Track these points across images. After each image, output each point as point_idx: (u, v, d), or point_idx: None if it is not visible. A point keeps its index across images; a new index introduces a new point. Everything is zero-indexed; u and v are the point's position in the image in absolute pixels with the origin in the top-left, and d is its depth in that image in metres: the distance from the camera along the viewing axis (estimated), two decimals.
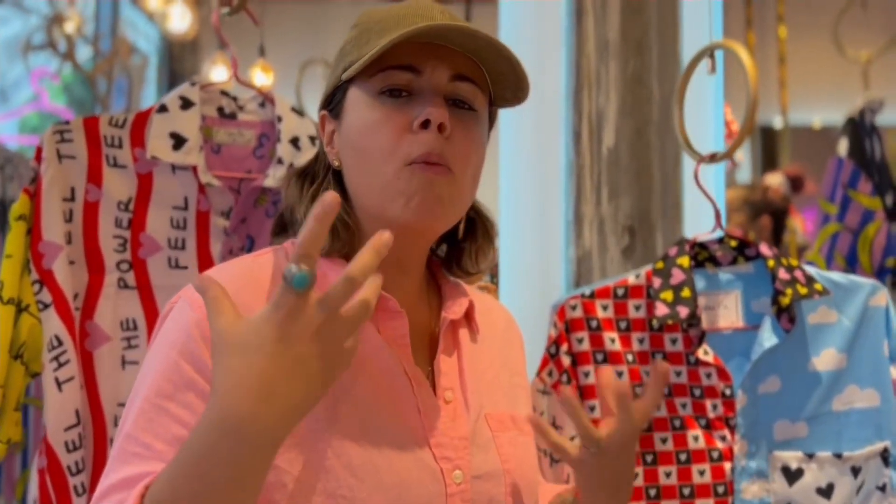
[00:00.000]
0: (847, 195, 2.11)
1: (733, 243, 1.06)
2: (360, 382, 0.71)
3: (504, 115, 1.75)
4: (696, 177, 1.09)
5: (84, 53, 3.99)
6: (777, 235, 2.38)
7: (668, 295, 1.00)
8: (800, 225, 3.33)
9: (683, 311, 0.99)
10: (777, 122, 5.99)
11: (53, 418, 0.94)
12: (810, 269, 1.04)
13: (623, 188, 1.42)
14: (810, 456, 1.00)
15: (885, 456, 1.02)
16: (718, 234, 1.07)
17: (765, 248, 1.04)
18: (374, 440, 0.69)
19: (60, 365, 0.95)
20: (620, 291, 1.04)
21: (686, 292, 1.00)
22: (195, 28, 3.72)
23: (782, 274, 1.01)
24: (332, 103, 0.77)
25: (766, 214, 2.32)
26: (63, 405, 0.95)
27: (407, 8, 0.75)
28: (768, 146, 6.05)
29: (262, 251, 0.77)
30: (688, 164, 1.36)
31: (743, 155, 4.91)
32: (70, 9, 3.48)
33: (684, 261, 1.03)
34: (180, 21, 3.56)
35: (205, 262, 1.04)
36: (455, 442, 0.73)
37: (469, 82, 0.73)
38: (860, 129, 2.14)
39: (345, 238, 0.74)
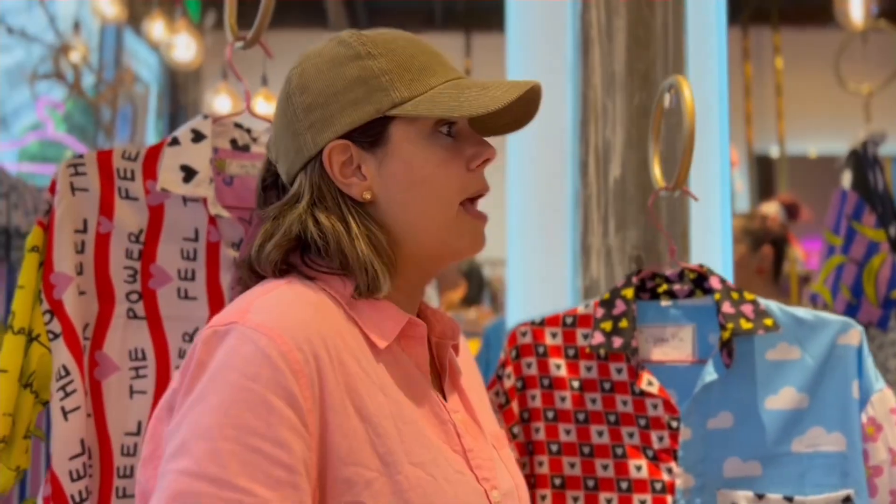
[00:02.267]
0: (851, 227, 2.12)
1: (692, 276, 1.07)
2: (411, 409, 0.73)
3: (512, 146, 1.76)
4: (650, 208, 1.15)
5: (88, 82, 4.02)
6: (778, 264, 2.37)
7: (607, 325, 1.02)
8: (799, 253, 3.33)
9: (617, 342, 1.00)
10: (774, 152, 6.05)
11: (59, 447, 0.94)
12: (767, 304, 1.01)
13: (630, 219, 1.43)
14: (760, 496, 0.96)
15: None
16: (677, 267, 1.08)
17: (715, 282, 1.03)
18: (437, 466, 0.71)
19: (67, 394, 0.95)
20: (569, 320, 1.06)
21: (624, 323, 1.01)
22: (199, 58, 3.76)
23: (726, 307, 0.99)
24: (365, 136, 0.75)
25: (768, 244, 2.32)
26: (69, 434, 0.94)
27: (418, 43, 0.78)
28: (765, 175, 6.10)
29: (287, 281, 0.74)
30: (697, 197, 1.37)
31: (742, 184, 4.95)
32: (76, 38, 3.52)
33: (628, 292, 1.04)
34: (185, 51, 3.59)
35: (214, 292, 1.03)
36: (488, 463, 0.76)
37: None
38: (863, 161, 2.15)
39: (391, 279, 0.74)
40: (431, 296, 3.94)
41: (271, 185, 0.84)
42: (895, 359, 2.42)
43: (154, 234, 1.02)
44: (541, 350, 1.05)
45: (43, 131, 3.57)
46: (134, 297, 1.01)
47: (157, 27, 3.72)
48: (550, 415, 1.03)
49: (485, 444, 0.79)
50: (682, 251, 1.46)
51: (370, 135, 0.75)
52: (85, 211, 0.99)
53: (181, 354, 1.02)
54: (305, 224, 0.74)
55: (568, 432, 1.03)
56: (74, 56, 3.49)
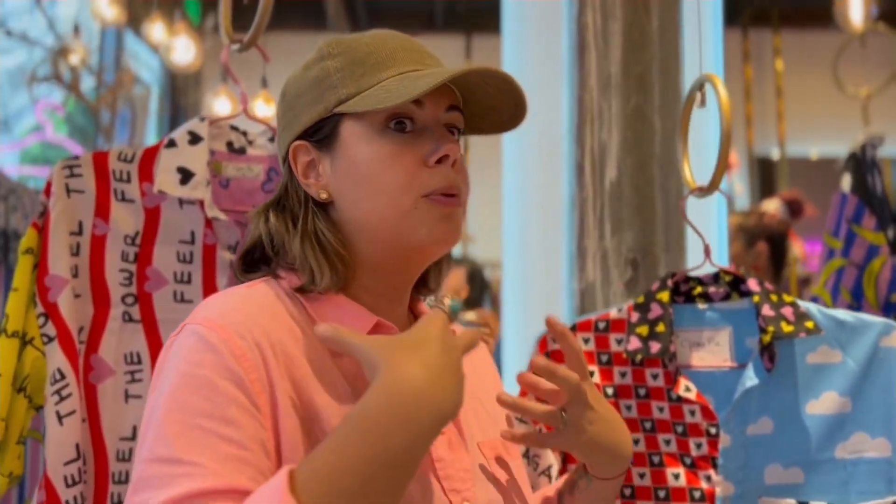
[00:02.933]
0: (851, 230, 2.11)
1: (727, 278, 1.04)
2: None
3: (508, 148, 1.76)
4: (682, 211, 1.10)
5: (88, 84, 4.03)
6: (777, 262, 2.32)
7: (643, 329, 0.99)
8: (799, 250, 3.30)
9: (655, 347, 0.97)
10: (775, 154, 6.04)
11: (53, 452, 0.93)
12: (807, 306, 0.99)
13: (626, 222, 1.43)
14: None
15: None
16: (709, 268, 1.05)
17: (753, 284, 1.01)
18: None
19: (62, 399, 0.95)
20: (602, 325, 1.03)
21: (661, 327, 0.99)
22: (199, 60, 3.76)
23: (766, 310, 0.97)
24: (318, 135, 0.75)
25: (762, 240, 2.27)
26: (63, 439, 0.94)
27: (392, 40, 0.77)
28: (766, 177, 6.09)
29: (250, 283, 0.75)
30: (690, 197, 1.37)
31: (742, 186, 4.95)
32: (75, 41, 3.52)
33: (664, 295, 1.02)
34: (185, 53, 3.60)
35: (210, 295, 1.03)
36: (461, 474, 0.74)
37: (458, 111, 0.77)
38: (862, 164, 2.15)
39: (342, 273, 0.74)
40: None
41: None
42: None
43: (150, 236, 1.02)
44: None
45: (41, 133, 3.57)
46: (129, 300, 1.01)
47: (156, 29, 3.72)
48: None
49: (463, 453, 0.76)
50: (679, 253, 1.46)
51: (322, 133, 0.75)
52: (80, 213, 0.99)
53: None
54: (258, 224, 0.76)
55: None
56: (73, 58, 3.50)
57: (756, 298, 0.99)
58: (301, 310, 0.73)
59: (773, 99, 5.93)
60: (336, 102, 0.73)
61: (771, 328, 0.95)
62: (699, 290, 1.05)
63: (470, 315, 3.96)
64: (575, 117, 1.48)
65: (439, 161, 0.73)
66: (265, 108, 4.24)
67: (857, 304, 2.09)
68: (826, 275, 2.14)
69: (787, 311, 0.98)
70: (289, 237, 0.74)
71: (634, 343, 0.99)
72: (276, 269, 0.76)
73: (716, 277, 1.05)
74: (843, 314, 0.99)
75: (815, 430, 0.96)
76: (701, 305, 1.04)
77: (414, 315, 0.83)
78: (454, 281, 4.02)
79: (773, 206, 2.45)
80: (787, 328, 0.95)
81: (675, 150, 1.46)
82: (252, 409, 0.63)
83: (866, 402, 0.96)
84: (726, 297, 1.04)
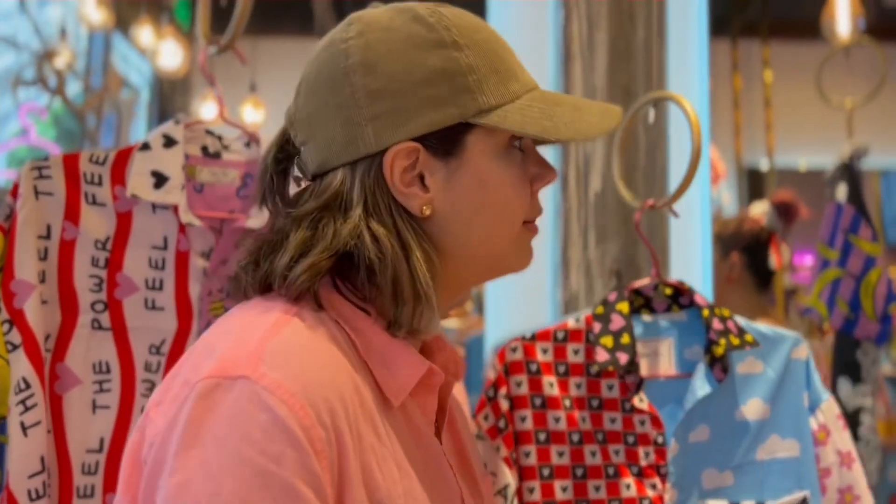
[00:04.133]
0: (848, 241, 2.09)
1: (668, 291, 1.07)
2: (418, 473, 0.64)
3: None
4: (636, 225, 1.09)
5: (74, 88, 4.00)
6: (759, 273, 2.18)
7: (608, 341, 0.99)
8: (787, 257, 3.24)
9: (623, 358, 0.98)
10: (763, 165, 6.07)
11: (17, 464, 0.90)
12: (740, 321, 1.05)
13: (610, 232, 1.42)
14: None
15: None
16: (652, 282, 1.08)
17: (699, 298, 1.05)
18: None
19: (27, 409, 0.92)
20: (560, 335, 1.02)
21: (625, 338, 0.99)
22: (187, 65, 3.74)
23: (716, 324, 1.02)
24: (439, 141, 0.64)
25: (736, 251, 2.16)
26: (28, 451, 0.90)
27: (495, 34, 0.69)
28: (754, 188, 6.11)
29: (283, 309, 0.62)
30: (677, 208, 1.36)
31: (729, 196, 4.96)
32: (61, 44, 3.50)
33: (623, 307, 1.02)
34: (171, 58, 3.58)
35: (182, 303, 1.01)
36: None
37: None
38: (856, 174, 2.15)
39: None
40: None
41: (280, 172, 0.70)
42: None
43: (121, 241, 1.00)
44: (533, 368, 1.00)
45: (26, 137, 3.54)
46: (99, 306, 0.99)
47: (144, 33, 3.70)
48: (542, 437, 0.99)
49: (480, 500, 0.74)
50: (663, 266, 1.45)
51: (446, 141, 0.64)
52: (49, 216, 0.97)
53: (147, 367, 1.00)
54: (362, 238, 0.61)
55: (561, 454, 0.99)
56: (59, 62, 3.47)
57: (706, 313, 1.03)
58: (353, 351, 0.62)
59: (762, 109, 5.96)
60: (476, 111, 0.63)
61: (723, 341, 1.00)
62: (640, 301, 1.08)
63: (454, 322, 3.93)
64: None
65: (542, 186, 0.70)
66: (253, 113, 4.23)
67: (854, 315, 2.08)
68: (821, 285, 2.12)
69: (731, 325, 1.03)
70: (405, 263, 0.61)
71: (602, 355, 0.98)
72: (331, 295, 0.63)
73: (656, 289, 1.08)
74: (763, 327, 1.07)
75: (743, 434, 1.02)
76: (646, 317, 1.06)
77: None
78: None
79: (759, 210, 2.35)
80: (735, 341, 1.01)
81: (657, 162, 1.45)
82: None
83: (781, 407, 1.04)
84: (668, 309, 1.08)
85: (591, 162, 1.43)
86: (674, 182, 1.49)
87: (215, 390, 0.54)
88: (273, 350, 0.56)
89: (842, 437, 1.05)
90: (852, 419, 2.09)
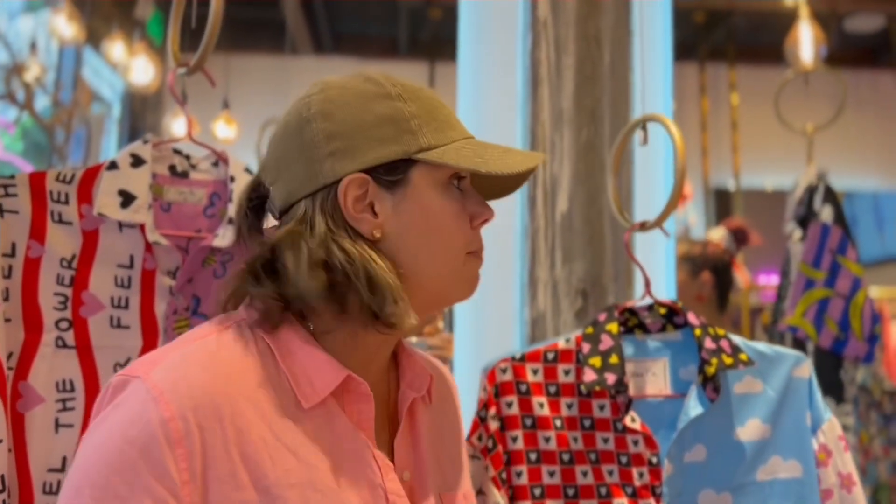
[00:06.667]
0: (836, 261, 2.11)
1: (662, 311, 1.07)
2: (328, 468, 0.70)
3: None
4: (627, 246, 1.12)
5: (43, 101, 3.96)
6: (722, 292, 2.32)
7: (596, 361, 1.00)
8: (744, 280, 3.33)
9: (611, 378, 0.98)
10: (731, 185, 6.18)
11: None
12: (736, 339, 1.04)
13: (576, 252, 1.44)
14: None
15: None
16: (648, 301, 1.08)
17: (692, 317, 1.05)
18: None
19: None
20: (551, 355, 1.03)
21: (614, 359, 1.00)
22: (158, 80, 3.72)
23: (708, 343, 1.01)
24: (387, 174, 0.74)
25: (707, 270, 2.28)
26: None
27: (436, 97, 0.79)
28: (722, 208, 6.22)
29: (220, 330, 0.72)
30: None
31: (696, 217, 5.04)
32: (31, 58, 3.46)
33: (613, 327, 1.03)
34: (143, 74, 3.56)
35: (148, 321, 1.01)
36: None
37: None
38: (835, 195, 2.19)
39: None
40: None
41: (252, 209, 0.81)
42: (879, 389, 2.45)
43: (87, 259, 1.00)
44: (523, 388, 1.01)
45: None
46: (64, 325, 0.98)
47: (116, 48, 3.68)
48: (533, 457, 1.00)
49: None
50: (628, 283, 1.47)
51: (392, 174, 0.73)
52: (14, 234, 0.96)
53: None
54: (330, 249, 0.71)
55: (552, 474, 1.00)
56: (28, 76, 3.43)
57: (698, 332, 1.03)
58: (271, 360, 0.71)
59: (729, 131, 6.09)
60: (418, 149, 0.73)
61: (715, 360, 0.99)
62: (634, 321, 1.08)
63: (434, 340, 3.95)
64: (528, 149, 1.50)
65: (480, 223, 0.78)
66: (226, 129, 4.21)
67: (843, 335, 2.11)
68: (805, 305, 2.13)
69: (725, 345, 1.02)
70: (374, 265, 0.71)
71: (590, 375, 0.99)
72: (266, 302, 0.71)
73: (651, 309, 1.07)
74: (763, 347, 1.06)
75: (741, 455, 1.01)
76: (639, 336, 1.07)
77: (396, 362, 0.83)
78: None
79: (717, 234, 2.47)
80: (727, 360, 1.00)
81: (623, 182, 1.48)
82: (171, 501, 0.63)
83: (782, 427, 1.03)
84: (662, 329, 1.07)
85: (558, 183, 1.46)
86: (639, 202, 1.52)
87: (120, 386, 0.67)
88: (174, 357, 0.68)
89: (843, 459, 1.03)
90: None
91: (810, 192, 2.26)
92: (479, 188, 0.83)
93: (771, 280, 4.77)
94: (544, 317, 1.45)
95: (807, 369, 1.04)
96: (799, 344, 2.21)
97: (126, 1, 4.35)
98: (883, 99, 6.21)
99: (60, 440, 0.96)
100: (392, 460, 0.76)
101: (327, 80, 0.78)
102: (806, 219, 2.25)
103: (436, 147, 0.74)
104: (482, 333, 1.62)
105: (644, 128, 1.14)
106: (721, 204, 6.22)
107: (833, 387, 2.15)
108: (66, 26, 3.35)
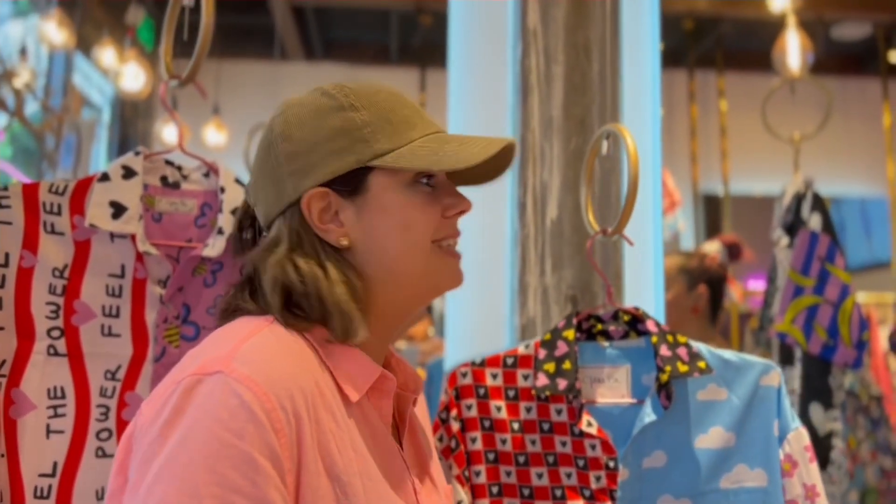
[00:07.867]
0: (825, 269, 2.13)
1: (626, 318, 1.09)
2: (373, 459, 0.73)
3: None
4: (589, 252, 1.14)
5: (33, 107, 3.95)
6: (715, 305, 2.35)
7: (550, 366, 1.02)
8: (738, 294, 3.39)
9: (562, 384, 1.00)
10: (720, 191, 6.22)
11: None
12: (698, 347, 1.04)
13: (566, 259, 1.45)
14: None
15: None
16: (611, 308, 1.10)
17: (651, 325, 1.06)
18: None
19: None
20: (510, 361, 1.05)
21: (567, 364, 1.02)
22: (149, 87, 3.72)
23: (664, 350, 1.02)
24: (344, 184, 0.76)
25: (704, 283, 2.29)
26: None
27: (399, 97, 0.80)
28: (711, 214, 6.26)
29: (260, 325, 0.73)
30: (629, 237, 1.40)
31: (685, 223, 5.08)
32: (21, 64, 3.46)
33: (570, 333, 1.05)
34: (133, 81, 3.56)
35: (138, 330, 1.02)
36: None
37: None
38: (823, 203, 2.21)
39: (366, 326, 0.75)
40: None
41: (248, 228, 0.86)
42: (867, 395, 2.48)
43: (79, 269, 1.00)
44: (481, 391, 1.04)
45: None
46: (56, 333, 0.99)
47: (107, 54, 3.68)
48: (491, 457, 1.03)
49: (438, 501, 0.81)
50: (617, 292, 1.48)
51: (350, 184, 0.76)
52: (7, 244, 0.97)
53: (102, 393, 1.00)
54: (285, 269, 0.74)
55: (508, 474, 1.02)
56: (17, 82, 3.43)
57: (654, 339, 1.04)
58: (319, 359, 0.74)
59: (718, 138, 6.13)
60: (371, 156, 0.76)
61: (668, 368, 1.00)
62: (599, 327, 1.09)
63: (425, 345, 3.96)
64: (518, 157, 1.51)
65: (455, 214, 0.80)
66: (216, 135, 4.21)
67: (832, 341, 2.12)
68: (794, 311, 2.15)
69: (682, 352, 1.03)
70: (328, 284, 0.74)
71: (542, 380, 1.01)
72: (286, 316, 0.74)
73: (615, 316, 1.09)
74: (729, 354, 1.06)
75: (703, 462, 1.01)
76: (602, 343, 1.08)
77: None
78: (423, 326, 4.04)
79: (713, 248, 2.49)
80: (682, 368, 1.01)
81: (612, 191, 1.49)
82: (283, 489, 0.63)
83: (748, 436, 1.03)
84: (624, 336, 1.09)
85: (548, 190, 1.47)
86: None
87: (196, 385, 0.65)
88: (245, 351, 0.68)
89: (808, 470, 1.02)
90: (824, 443, 2.12)
91: (798, 199, 2.28)
92: (465, 178, 0.85)
93: (759, 285, 4.80)
94: (534, 323, 1.46)
95: (776, 377, 1.04)
96: (787, 350, 2.23)
97: (117, 7, 4.35)
98: (870, 105, 6.28)
99: (51, 446, 0.97)
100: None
101: (288, 101, 0.81)
102: (794, 226, 2.27)
103: (390, 151, 0.76)
104: (473, 339, 1.63)
105: (608, 138, 1.16)
106: (710, 210, 6.26)
107: (822, 393, 2.16)
108: (56, 32, 3.35)
